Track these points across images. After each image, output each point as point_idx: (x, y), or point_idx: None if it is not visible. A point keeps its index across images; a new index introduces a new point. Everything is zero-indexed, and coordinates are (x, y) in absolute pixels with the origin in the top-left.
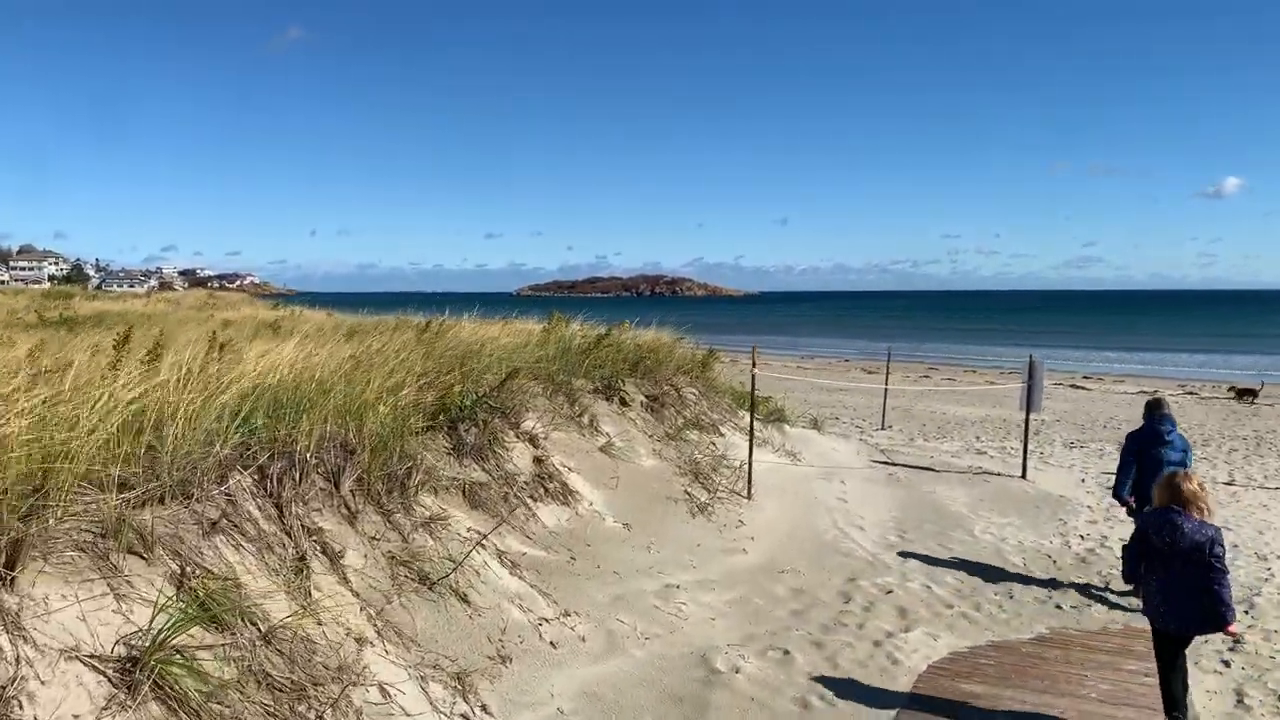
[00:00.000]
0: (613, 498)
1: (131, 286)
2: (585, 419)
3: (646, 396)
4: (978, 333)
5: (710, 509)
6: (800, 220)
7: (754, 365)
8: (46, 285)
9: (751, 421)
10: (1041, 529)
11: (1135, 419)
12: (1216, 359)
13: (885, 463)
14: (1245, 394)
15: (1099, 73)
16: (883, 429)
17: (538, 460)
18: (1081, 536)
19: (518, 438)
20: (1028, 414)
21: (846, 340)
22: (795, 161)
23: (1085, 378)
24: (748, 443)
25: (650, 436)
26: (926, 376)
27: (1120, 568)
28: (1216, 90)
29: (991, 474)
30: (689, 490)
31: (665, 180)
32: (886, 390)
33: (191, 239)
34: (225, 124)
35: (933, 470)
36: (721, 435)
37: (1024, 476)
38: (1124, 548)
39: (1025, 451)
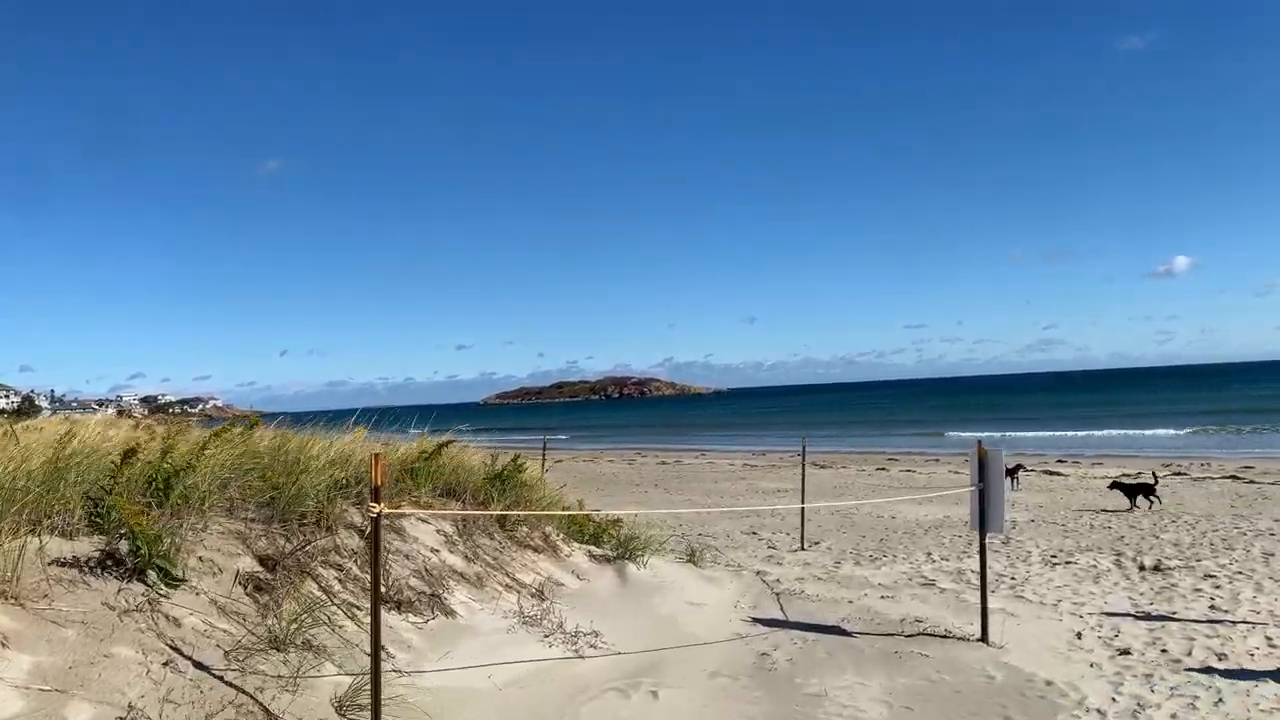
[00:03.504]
0: None
1: (84, 415)
2: None
3: (262, 558)
4: (939, 422)
5: None
6: (768, 318)
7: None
8: None
9: (375, 611)
10: None
11: (1124, 506)
12: (1198, 438)
13: (771, 622)
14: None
15: (1046, 157)
16: (802, 549)
17: None
18: None
19: None
20: (983, 538)
21: (806, 432)
22: (762, 261)
23: (1059, 461)
24: (512, 623)
25: (175, 662)
26: (883, 469)
27: None
28: (1162, 170)
29: (935, 635)
30: None
31: (635, 284)
32: (804, 505)
33: (159, 366)
34: (197, 252)
35: (842, 632)
36: (449, 615)
37: (984, 638)
38: None
39: (984, 599)
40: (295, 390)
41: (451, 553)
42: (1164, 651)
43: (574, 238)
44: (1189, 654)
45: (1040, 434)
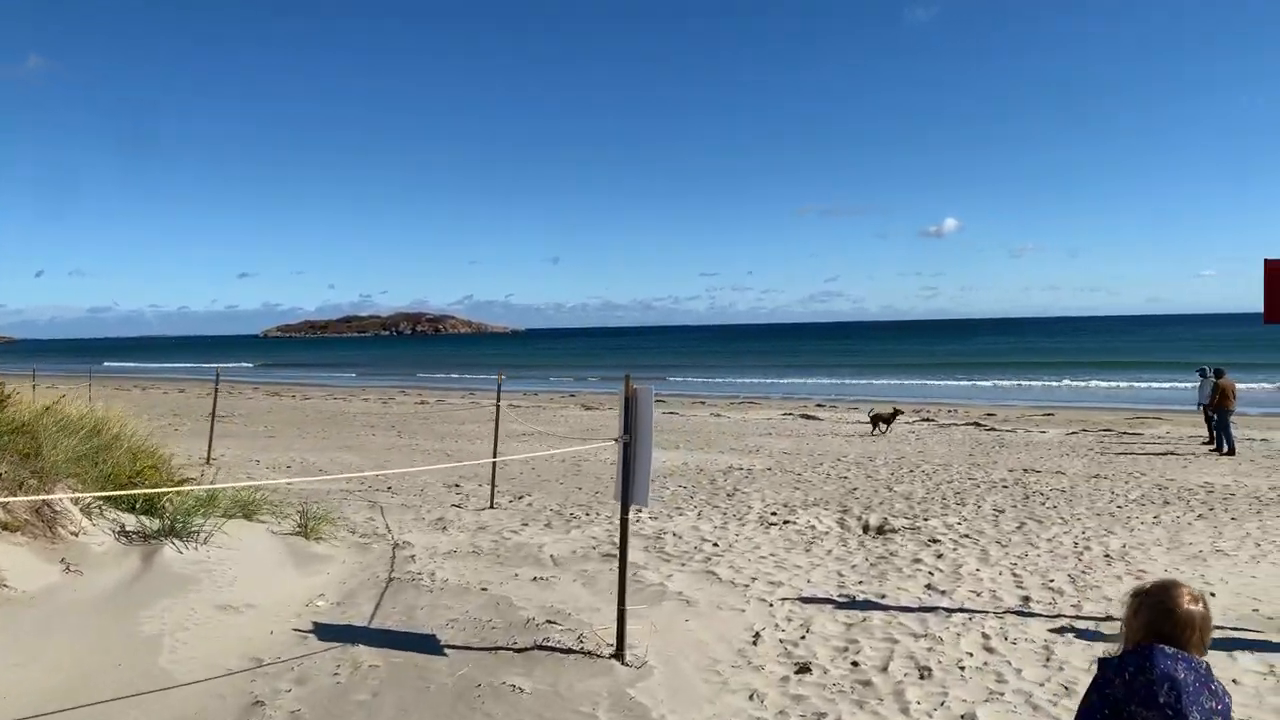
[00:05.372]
0: None
1: None
2: None
3: None
4: (720, 367)
5: None
6: (571, 259)
7: None
8: None
9: None
10: None
11: (867, 454)
12: (950, 385)
13: (339, 632)
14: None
15: (837, 116)
16: (490, 506)
17: None
18: None
19: None
20: (625, 513)
21: (586, 372)
22: (567, 201)
23: (819, 405)
24: None
25: None
26: None
27: None
28: (939, 135)
29: (557, 649)
30: None
31: (435, 217)
32: (496, 457)
33: None
34: None
35: (430, 648)
36: None
37: (618, 653)
38: None
39: (621, 602)
40: (51, 316)
41: None
42: (854, 666)
43: (372, 165)
44: (885, 668)
45: (809, 381)
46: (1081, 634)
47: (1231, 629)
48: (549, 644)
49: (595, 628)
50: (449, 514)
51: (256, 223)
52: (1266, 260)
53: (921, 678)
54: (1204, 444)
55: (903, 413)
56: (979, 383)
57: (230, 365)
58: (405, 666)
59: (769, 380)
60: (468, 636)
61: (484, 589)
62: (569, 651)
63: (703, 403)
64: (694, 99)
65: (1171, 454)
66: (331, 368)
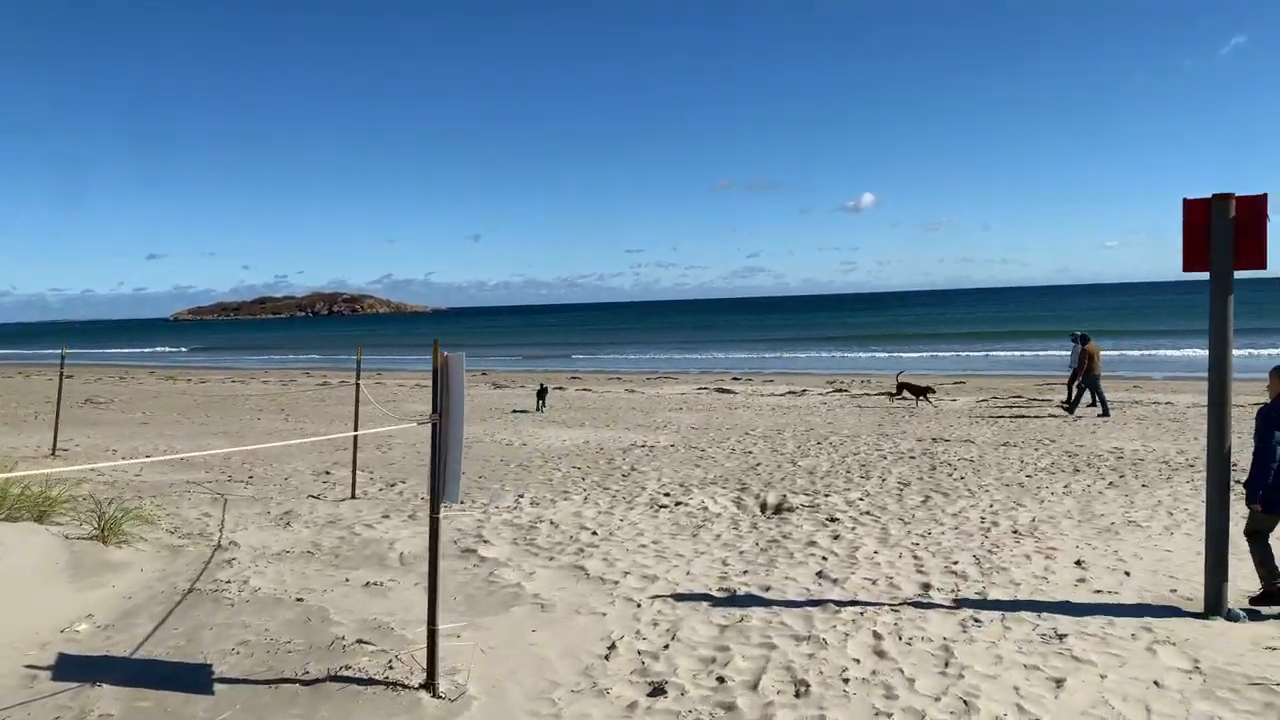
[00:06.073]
0: None
1: None
2: None
3: None
4: (644, 343)
5: None
6: (493, 236)
7: None
8: None
9: None
10: None
11: (776, 427)
12: (864, 357)
13: (91, 665)
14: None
15: (743, 92)
16: (352, 497)
17: None
18: None
19: None
20: (435, 510)
21: (506, 350)
22: (487, 178)
23: (734, 379)
24: None
25: None
26: (561, 388)
27: None
28: (854, 111)
29: (356, 679)
30: None
31: (353, 196)
32: (357, 430)
33: None
34: None
35: (196, 684)
36: None
37: (429, 683)
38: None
39: (432, 621)
40: None
41: None
42: (720, 683)
43: (289, 143)
44: (755, 685)
45: (727, 355)
46: (986, 629)
47: (1151, 616)
48: (348, 672)
49: (414, 648)
50: (301, 506)
51: (166, 202)
52: (1186, 200)
53: (797, 695)
54: (1061, 404)
55: (934, 390)
56: (893, 354)
57: (144, 350)
58: (151, 713)
59: (688, 355)
60: (252, 665)
61: (300, 600)
62: (370, 682)
63: (619, 379)
64: (613, 76)
65: (1079, 419)
66: (239, 350)
